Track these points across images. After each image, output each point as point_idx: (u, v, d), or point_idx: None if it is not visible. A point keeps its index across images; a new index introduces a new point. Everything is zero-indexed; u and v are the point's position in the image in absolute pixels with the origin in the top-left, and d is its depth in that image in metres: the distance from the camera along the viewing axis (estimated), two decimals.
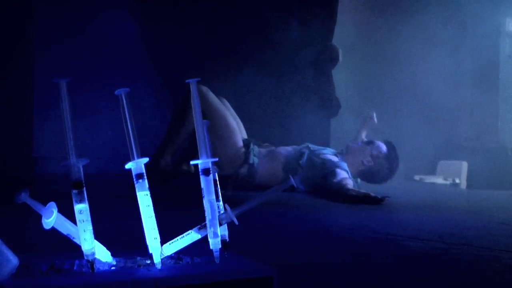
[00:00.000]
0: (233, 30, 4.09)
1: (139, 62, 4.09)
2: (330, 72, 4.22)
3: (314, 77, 4.12)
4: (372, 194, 2.63)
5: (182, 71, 3.83)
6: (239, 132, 3.27)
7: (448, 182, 4.24)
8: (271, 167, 3.19)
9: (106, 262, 0.84)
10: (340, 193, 2.79)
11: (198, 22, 4.05)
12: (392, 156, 3.14)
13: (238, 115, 3.47)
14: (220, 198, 0.90)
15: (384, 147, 3.16)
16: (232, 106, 3.48)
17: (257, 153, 3.22)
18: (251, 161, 3.18)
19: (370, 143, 3.19)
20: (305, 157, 3.17)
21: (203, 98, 3.12)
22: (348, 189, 2.78)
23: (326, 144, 3.74)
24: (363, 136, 3.38)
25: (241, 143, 3.23)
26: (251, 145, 3.23)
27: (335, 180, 2.92)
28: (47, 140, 3.71)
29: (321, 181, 3.06)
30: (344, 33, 4.38)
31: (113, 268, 0.83)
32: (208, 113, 3.10)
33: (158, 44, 4.13)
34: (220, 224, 0.86)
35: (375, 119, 3.39)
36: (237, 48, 4.12)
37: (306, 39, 4.15)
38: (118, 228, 1.51)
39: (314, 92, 4.04)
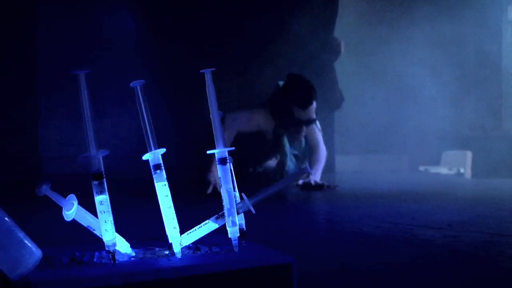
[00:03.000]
0: (234, 24, 4.09)
1: (139, 59, 4.09)
2: (332, 65, 4.22)
3: (316, 70, 4.11)
4: None
5: (183, 67, 3.84)
6: None
7: (453, 172, 4.25)
8: None
9: (126, 253, 0.85)
10: None
11: (199, 17, 4.05)
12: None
13: (241, 108, 3.50)
14: (236, 187, 0.91)
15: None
16: (235, 99, 3.52)
17: None
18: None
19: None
20: None
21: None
22: None
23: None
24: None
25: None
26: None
27: None
28: (54, 139, 3.72)
29: None
30: (345, 25, 4.37)
31: (132, 259, 0.84)
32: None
33: (159, 42, 4.13)
34: (237, 213, 0.87)
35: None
36: (239, 42, 4.12)
37: (308, 32, 4.15)
38: (130, 223, 1.51)
39: (316, 85, 4.04)
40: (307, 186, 2.95)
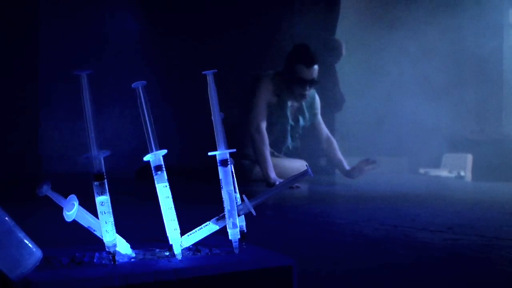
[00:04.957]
0: (235, 26, 4.09)
1: (139, 60, 4.09)
2: (333, 66, 4.22)
3: (317, 71, 4.12)
4: None
5: (181, 69, 3.86)
6: None
7: (453, 175, 4.25)
8: None
9: (126, 254, 0.84)
10: None
11: (201, 15, 4.05)
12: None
13: (242, 110, 3.51)
14: (237, 189, 0.91)
15: None
16: (234, 100, 3.54)
17: None
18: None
19: None
20: None
21: None
22: None
23: None
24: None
25: None
26: None
27: None
28: (53, 138, 3.72)
29: None
30: (347, 26, 4.37)
31: (132, 260, 0.84)
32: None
33: (159, 43, 4.13)
34: (238, 215, 0.86)
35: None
36: (240, 44, 4.12)
37: (309, 34, 4.15)
38: (131, 224, 1.51)
39: (318, 86, 4.05)
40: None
